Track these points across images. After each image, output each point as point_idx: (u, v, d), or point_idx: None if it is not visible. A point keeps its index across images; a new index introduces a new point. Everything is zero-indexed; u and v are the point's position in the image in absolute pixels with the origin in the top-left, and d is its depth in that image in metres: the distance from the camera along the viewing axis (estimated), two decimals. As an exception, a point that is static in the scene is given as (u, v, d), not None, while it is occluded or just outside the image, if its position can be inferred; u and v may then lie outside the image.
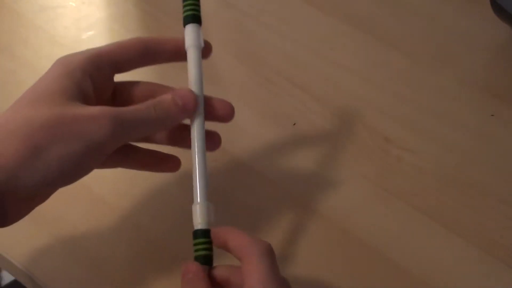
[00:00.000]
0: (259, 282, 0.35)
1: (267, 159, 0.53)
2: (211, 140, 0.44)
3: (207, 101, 0.43)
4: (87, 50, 0.42)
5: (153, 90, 0.44)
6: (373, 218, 0.49)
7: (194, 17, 0.43)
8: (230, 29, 0.66)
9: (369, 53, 0.62)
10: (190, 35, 0.43)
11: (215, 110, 0.43)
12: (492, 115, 0.55)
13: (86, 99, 0.40)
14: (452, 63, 0.60)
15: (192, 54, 0.43)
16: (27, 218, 0.42)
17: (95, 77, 0.41)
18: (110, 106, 0.39)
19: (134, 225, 0.48)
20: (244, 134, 0.55)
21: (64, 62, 0.40)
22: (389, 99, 0.57)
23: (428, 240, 0.47)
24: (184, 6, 0.44)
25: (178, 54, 0.44)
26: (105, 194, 0.51)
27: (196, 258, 0.38)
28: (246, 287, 0.35)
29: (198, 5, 0.44)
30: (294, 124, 0.56)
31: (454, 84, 0.58)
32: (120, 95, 0.44)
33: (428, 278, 0.45)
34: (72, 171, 0.38)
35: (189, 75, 0.43)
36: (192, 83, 0.42)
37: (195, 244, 0.39)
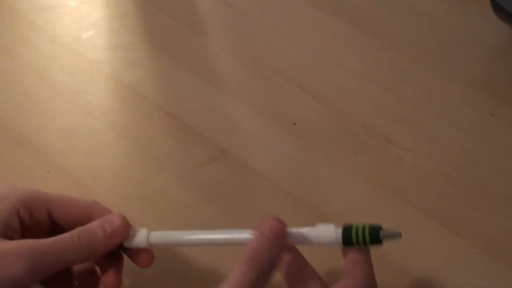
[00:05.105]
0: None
1: (267, 159, 0.53)
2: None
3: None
4: (30, 190, 0.41)
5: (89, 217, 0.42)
6: (373, 218, 0.48)
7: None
8: (230, 29, 0.66)
9: (370, 53, 0.62)
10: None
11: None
12: (492, 115, 0.55)
13: (10, 235, 0.39)
14: (452, 63, 0.60)
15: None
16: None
17: (25, 218, 0.40)
18: (32, 239, 0.38)
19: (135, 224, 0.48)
20: (244, 134, 0.55)
21: None
22: (389, 99, 0.57)
23: (428, 240, 0.47)
24: None
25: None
26: (104, 193, 0.51)
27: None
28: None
29: None
30: (294, 124, 0.56)
31: (454, 84, 0.58)
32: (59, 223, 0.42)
33: (428, 277, 0.45)
34: None
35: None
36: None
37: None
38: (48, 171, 0.52)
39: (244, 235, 0.38)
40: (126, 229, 0.41)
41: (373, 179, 0.51)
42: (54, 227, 0.42)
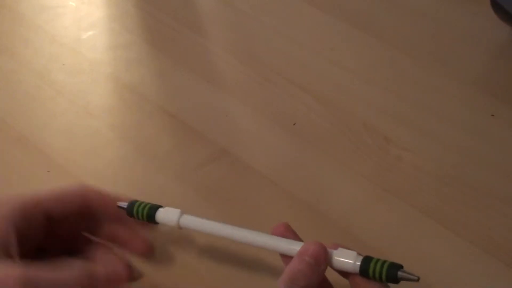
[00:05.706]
0: None
1: (267, 159, 0.53)
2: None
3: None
4: (21, 196, 0.41)
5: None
6: (373, 218, 0.48)
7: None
8: (230, 29, 0.66)
9: (370, 53, 0.62)
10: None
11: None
12: (492, 115, 0.55)
13: (6, 250, 0.39)
14: (452, 63, 0.60)
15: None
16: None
17: (23, 228, 0.40)
18: (25, 265, 0.38)
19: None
20: (244, 134, 0.55)
21: None
22: (389, 99, 0.57)
23: (428, 240, 0.47)
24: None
25: (119, 219, 0.44)
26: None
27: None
28: None
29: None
30: (294, 124, 0.56)
31: (454, 84, 0.58)
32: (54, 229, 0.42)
33: (428, 277, 0.45)
34: None
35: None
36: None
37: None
38: (48, 171, 0.52)
39: (275, 242, 0.40)
40: (125, 277, 0.42)
41: (373, 179, 0.51)
42: (51, 223, 0.42)
